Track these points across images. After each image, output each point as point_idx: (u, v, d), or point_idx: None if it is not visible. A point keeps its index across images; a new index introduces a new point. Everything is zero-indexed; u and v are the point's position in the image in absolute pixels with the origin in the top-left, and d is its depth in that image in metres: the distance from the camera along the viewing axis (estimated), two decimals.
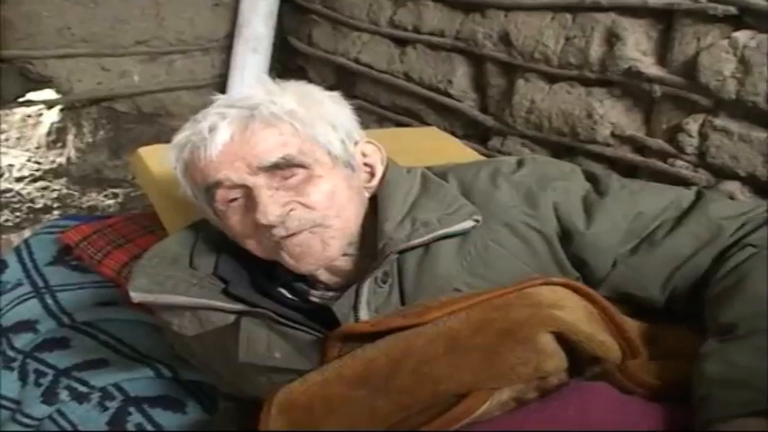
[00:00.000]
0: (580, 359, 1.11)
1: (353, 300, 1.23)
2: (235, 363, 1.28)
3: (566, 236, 1.26)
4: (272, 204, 1.21)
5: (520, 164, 1.35)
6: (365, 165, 1.37)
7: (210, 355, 1.40)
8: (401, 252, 1.25)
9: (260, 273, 1.36)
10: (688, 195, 1.29)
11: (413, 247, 1.25)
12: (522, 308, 1.11)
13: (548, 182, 1.29)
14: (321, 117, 1.30)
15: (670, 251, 1.22)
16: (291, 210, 1.22)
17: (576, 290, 1.17)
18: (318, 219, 1.24)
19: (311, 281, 1.37)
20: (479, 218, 1.25)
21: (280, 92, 1.31)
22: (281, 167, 1.23)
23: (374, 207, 1.32)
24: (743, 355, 1.00)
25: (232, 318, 1.27)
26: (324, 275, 1.35)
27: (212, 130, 1.24)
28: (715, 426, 0.94)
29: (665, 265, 1.23)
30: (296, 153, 1.24)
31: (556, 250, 1.26)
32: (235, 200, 1.26)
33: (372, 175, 1.37)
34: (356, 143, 1.35)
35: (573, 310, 1.12)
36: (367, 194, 1.35)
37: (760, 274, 1.12)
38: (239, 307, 1.26)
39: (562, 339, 1.09)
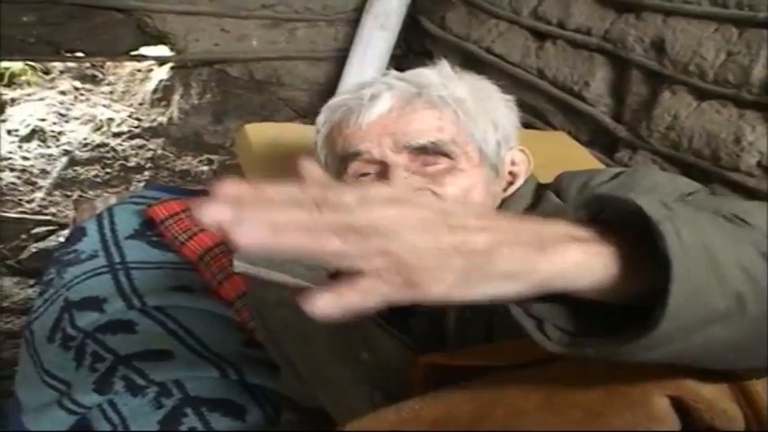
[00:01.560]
0: (694, 426, 0.93)
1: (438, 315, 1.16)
2: (314, 354, 1.26)
3: None
4: (404, 185, 1.15)
5: (616, 175, 1.24)
6: (509, 173, 1.32)
7: (291, 342, 1.36)
8: None
9: None
10: None
11: None
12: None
13: (629, 192, 1.14)
14: (487, 113, 1.26)
15: None
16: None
17: None
18: None
19: None
20: None
21: (455, 78, 1.28)
22: (427, 152, 1.19)
23: None
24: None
25: None
26: None
27: (374, 97, 1.21)
28: None
29: None
30: (448, 140, 1.20)
31: None
32: (366, 175, 1.22)
33: (511, 184, 1.32)
34: (510, 149, 1.32)
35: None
36: (497, 202, 1.29)
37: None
38: None
39: (677, 403, 0.92)
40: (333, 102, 1.29)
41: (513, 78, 2.74)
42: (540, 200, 1.25)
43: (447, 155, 1.18)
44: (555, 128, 2.62)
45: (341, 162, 1.23)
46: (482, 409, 0.98)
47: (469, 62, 2.95)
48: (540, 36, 2.70)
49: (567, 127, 2.59)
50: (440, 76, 1.26)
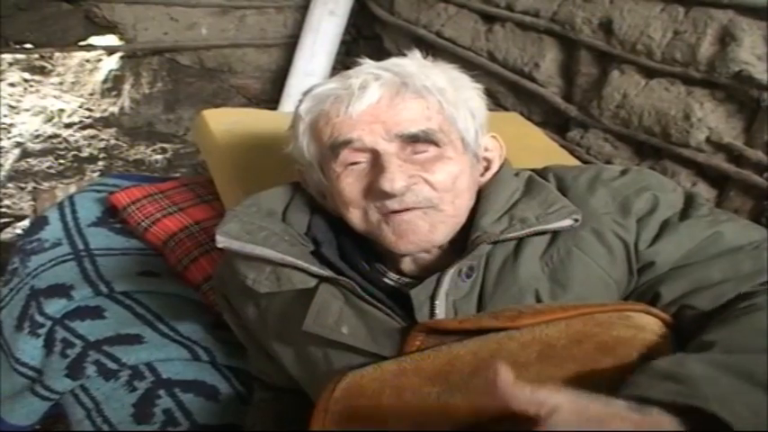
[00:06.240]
0: None
1: (432, 289, 1.18)
2: (292, 333, 1.25)
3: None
4: (400, 173, 1.18)
5: (623, 172, 1.30)
6: (484, 158, 1.34)
7: (266, 322, 1.34)
8: (493, 243, 1.21)
9: (347, 242, 1.33)
10: None
11: (505, 241, 1.22)
12: (625, 328, 1.06)
13: (644, 190, 1.25)
14: (465, 102, 1.28)
15: (698, 273, 1.17)
16: (414, 184, 1.20)
17: (669, 326, 1.11)
18: (435, 199, 1.21)
19: (389, 264, 1.33)
20: (579, 217, 1.21)
21: (432, 67, 1.29)
22: (418, 140, 1.21)
23: (475, 202, 1.29)
24: (698, 365, 0.92)
25: (313, 282, 1.22)
26: (406, 264, 1.31)
27: (363, 87, 1.22)
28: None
29: (687, 284, 1.17)
30: (436, 129, 1.22)
31: (632, 261, 1.21)
32: (356, 163, 1.23)
33: (487, 169, 1.35)
34: (483, 135, 1.34)
35: (665, 342, 1.07)
36: (476, 188, 1.31)
37: None
38: (325, 272, 1.21)
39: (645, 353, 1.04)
40: (318, 91, 1.28)
41: (464, 61, 2.75)
42: (535, 190, 1.28)
43: (435, 143, 1.21)
44: (507, 109, 2.64)
45: (330, 150, 1.24)
46: (483, 360, 1.04)
47: (419, 46, 2.95)
48: (489, 19, 2.72)
49: (520, 108, 2.62)
50: (418, 66, 1.27)
